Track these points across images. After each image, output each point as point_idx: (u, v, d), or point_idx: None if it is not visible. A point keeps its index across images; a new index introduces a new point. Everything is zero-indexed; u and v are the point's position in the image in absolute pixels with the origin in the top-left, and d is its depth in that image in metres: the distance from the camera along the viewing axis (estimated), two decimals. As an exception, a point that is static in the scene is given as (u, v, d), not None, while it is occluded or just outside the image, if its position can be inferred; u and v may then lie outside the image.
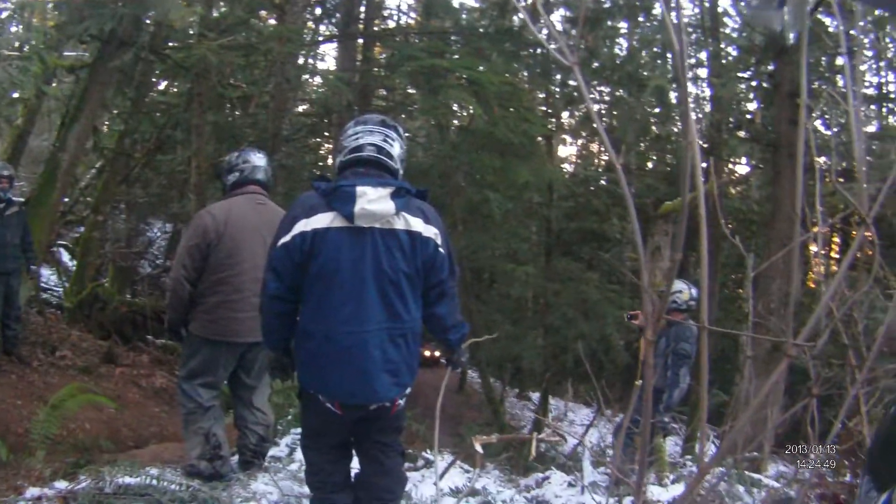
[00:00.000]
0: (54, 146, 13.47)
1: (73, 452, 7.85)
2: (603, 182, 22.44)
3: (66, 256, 18.69)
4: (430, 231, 4.20)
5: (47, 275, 16.72)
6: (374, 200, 4.02)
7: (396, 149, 4.38)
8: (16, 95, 14.14)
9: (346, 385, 4.17)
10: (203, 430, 5.86)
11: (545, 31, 13.43)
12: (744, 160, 22.76)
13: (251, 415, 6.22)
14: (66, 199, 16.10)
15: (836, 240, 18.14)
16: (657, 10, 18.34)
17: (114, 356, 12.45)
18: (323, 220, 4.07)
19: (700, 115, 20.87)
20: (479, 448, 4.36)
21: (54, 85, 14.90)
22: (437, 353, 25.71)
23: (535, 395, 21.15)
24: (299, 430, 5.62)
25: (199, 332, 5.90)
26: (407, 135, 17.70)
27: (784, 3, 1.65)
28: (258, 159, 6.18)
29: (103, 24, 11.03)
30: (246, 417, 6.22)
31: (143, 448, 8.41)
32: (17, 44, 12.84)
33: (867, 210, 2.97)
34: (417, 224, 4.16)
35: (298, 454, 6.41)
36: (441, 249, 4.27)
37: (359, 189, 4.03)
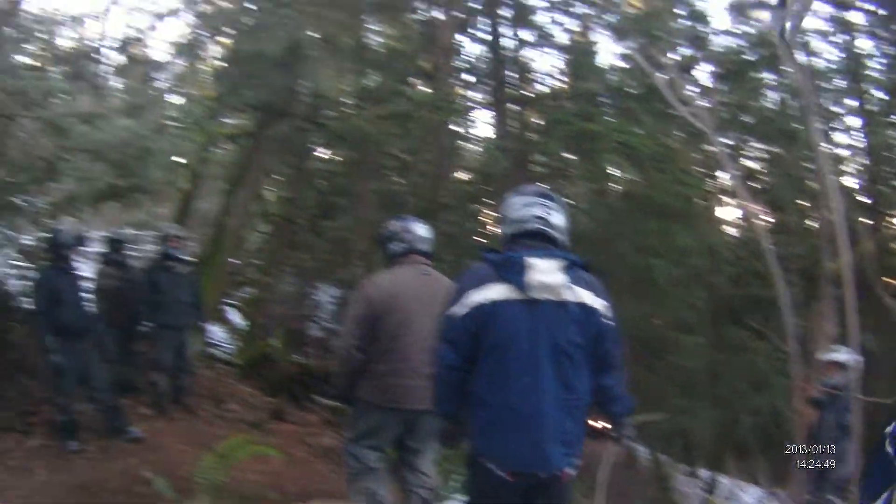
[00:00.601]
0: (222, 211, 14.19)
1: (237, 500, 8.04)
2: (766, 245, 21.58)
3: (234, 315, 19.21)
4: (598, 303, 4.29)
5: (216, 332, 16.99)
6: (545, 272, 4.14)
7: (558, 219, 4.49)
8: (180, 161, 14.50)
9: (522, 453, 4.20)
10: (368, 491, 6.08)
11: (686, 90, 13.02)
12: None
13: (415, 478, 6.31)
14: (237, 262, 17.06)
15: None
16: (802, 58, 17.68)
17: (282, 413, 12.59)
18: (497, 291, 4.17)
19: (858, 168, 20.06)
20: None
21: (217, 151, 15.86)
22: (606, 425, 24.96)
23: (706, 473, 20.32)
24: (462, 497, 5.61)
25: (369, 397, 6.04)
26: (568, 201, 17.33)
27: (784, 3, 1.04)
28: (422, 230, 6.31)
29: (258, 94, 11.74)
30: (410, 481, 6.32)
31: (307, 502, 8.59)
32: (177, 113, 13.31)
33: None
34: (587, 296, 4.25)
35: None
36: (608, 321, 4.33)
37: (529, 261, 4.15)
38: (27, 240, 12.24)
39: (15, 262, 12.10)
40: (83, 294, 9.41)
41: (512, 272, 4.13)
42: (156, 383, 10.68)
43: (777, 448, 16.68)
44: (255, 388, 13.84)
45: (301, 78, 12.33)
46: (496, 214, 4.55)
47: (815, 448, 8.77)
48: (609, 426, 4.84)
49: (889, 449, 3.78)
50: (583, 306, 4.20)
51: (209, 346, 15.21)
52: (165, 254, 10.73)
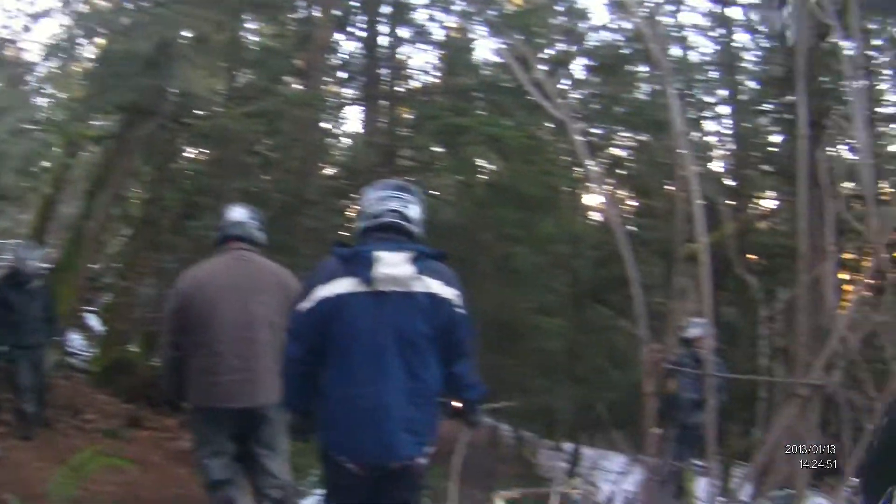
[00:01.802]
0: (81, 215, 13.69)
1: None
2: (631, 228, 22.34)
3: (94, 321, 18.61)
4: (448, 293, 4.28)
5: (75, 339, 16.54)
6: (392, 265, 4.11)
7: (414, 212, 4.48)
8: (43, 165, 14.57)
9: (367, 445, 4.20)
10: (224, 499, 5.75)
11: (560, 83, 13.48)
12: (771, 195, 22.55)
13: (265, 480, 5.90)
14: (95, 266, 16.36)
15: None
16: (678, 52, 18.47)
17: (139, 419, 12.37)
18: (343, 285, 4.15)
19: (725, 153, 20.88)
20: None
21: (83, 154, 15.43)
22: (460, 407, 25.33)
23: (569, 447, 20.91)
24: (322, 491, 5.47)
25: (192, 399, 5.77)
26: (435, 193, 17.83)
27: (784, 3, 1.69)
28: (236, 214, 6.04)
29: (126, 95, 11.41)
30: (261, 483, 5.92)
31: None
32: (42, 115, 13.11)
33: (877, 234, 2.96)
34: (436, 286, 4.24)
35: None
36: (460, 310, 4.34)
37: (376, 254, 4.12)
38: None
39: None
40: None
41: (359, 266, 4.14)
42: (21, 410, 10.19)
43: (638, 420, 17.39)
44: (113, 395, 13.54)
45: (170, 77, 12.01)
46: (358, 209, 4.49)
47: (673, 417, 9.15)
48: (463, 411, 4.77)
49: None
50: (432, 296, 4.23)
51: (67, 355, 14.84)
52: (14, 269, 10.10)
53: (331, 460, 4.36)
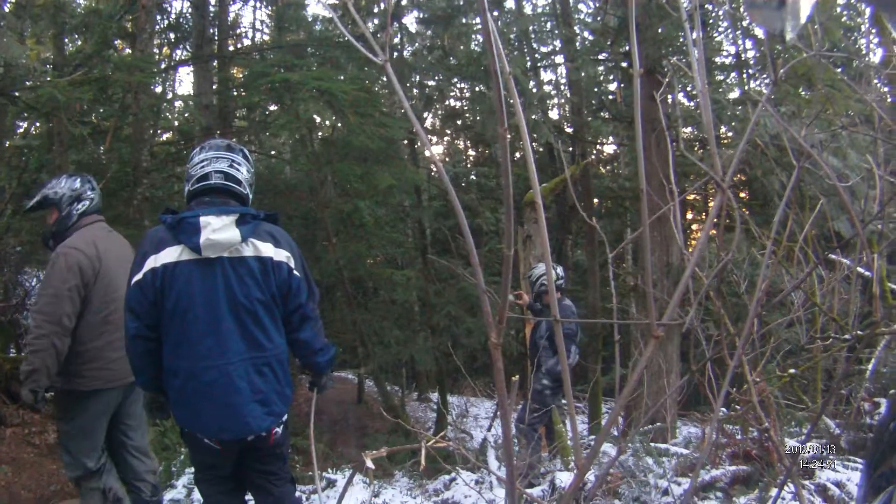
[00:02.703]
0: None
1: None
2: (472, 177, 22.61)
3: None
4: (281, 255, 4.21)
5: None
6: (218, 230, 4.00)
7: (244, 173, 4.34)
8: None
9: (217, 420, 4.10)
10: (99, 488, 5.53)
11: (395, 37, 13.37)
12: (610, 140, 23.07)
13: (140, 463, 5.80)
14: None
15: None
16: (510, 3, 18.55)
17: (2, 417, 11.71)
18: (171, 254, 4.00)
19: (562, 100, 21.22)
20: (370, 464, 4.25)
21: None
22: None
23: (436, 396, 21.15)
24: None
25: (82, 385, 5.37)
26: (272, 152, 17.62)
27: (784, 2, 1.62)
28: (77, 185, 5.67)
29: None
30: (136, 468, 5.78)
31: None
32: None
33: (721, 175, 2.98)
34: (267, 249, 4.16)
35: (196, 494, 6.26)
36: (296, 272, 4.27)
37: (202, 220, 3.99)
38: None
39: None
40: None
41: (185, 233, 3.99)
42: None
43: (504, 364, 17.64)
44: None
45: None
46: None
47: (534, 356, 9.22)
48: (308, 378, 4.75)
49: None
50: (264, 260, 4.13)
51: None
52: None
53: (189, 436, 4.27)
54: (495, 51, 2.22)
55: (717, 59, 16.51)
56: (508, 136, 2.37)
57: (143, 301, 3.99)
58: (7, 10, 12.00)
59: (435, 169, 19.05)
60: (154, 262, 3.98)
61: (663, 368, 10.52)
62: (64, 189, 5.58)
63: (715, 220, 3.16)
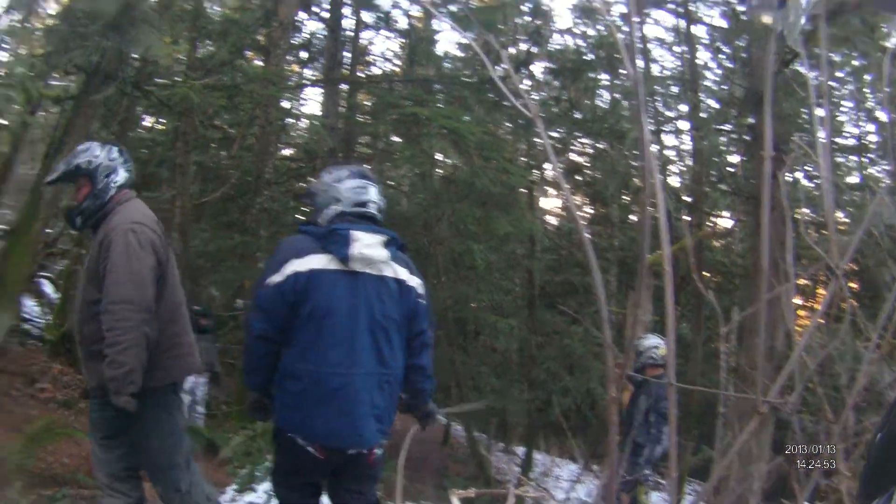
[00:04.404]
0: (38, 176, 13.09)
1: (51, 486, 7.70)
2: (587, 235, 22.45)
3: (49, 288, 18.53)
4: (414, 281, 4.27)
5: (30, 306, 16.48)
6: (369, 246, 4.04)
7: (379, 198, 4.40)
8: (2, 122, 14.00)
9: (331, 427, 4.05)
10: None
11: (522, 83, 13.41)
12: (726, 213, 22.70)
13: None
14: (50, 231, 15.77)
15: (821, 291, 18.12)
16: (638, 62, 18.46)
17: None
18: (318, 261, 4.03)
19: (682, 169, 20.96)
20: (456, 502, 4.22)
21: (41, 114, 14.77)
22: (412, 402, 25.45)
23: (522, 450, 20.94)
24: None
25: (163, 379, 4.67)
26: (390, 183, 17.79)
27: (784, 3, 1.62)
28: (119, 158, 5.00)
29: (87, 56, 10.82)
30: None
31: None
32: (2, 71, 12.61)
33: (837, 261, 2.91)
34: (404, 273, 4.22)
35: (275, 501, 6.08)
36: (422, 300, 4.31)
37: (354, 233, 4.04)
38: None
39: None
40: None
41: (335, 243, 4.03)
42: None
43: (591, 428, 17.36)
44: (67, 364, 13.28)
45: (132, 42, 11.88)
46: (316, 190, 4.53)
47: (629, 429, 9.04)
48: (418, 403, 4.55)
49: None
50: (400, 282, 4.19)
51: (23, 321, 14.65)
52: None
53: (288, 441, 4.16)
54: (642, 115, 2.22)
55: (839, 140, 16.17)
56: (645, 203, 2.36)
57: (279, 303, 4.00)
58: (151, 8, 12.31)
59: (552, 221, 19.06)
60: (299, 265, 4.01)
61: (754, 454, 10.24)
62: (101, 158, 4.89)
63: (827, 307, 3.10)
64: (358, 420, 4.06)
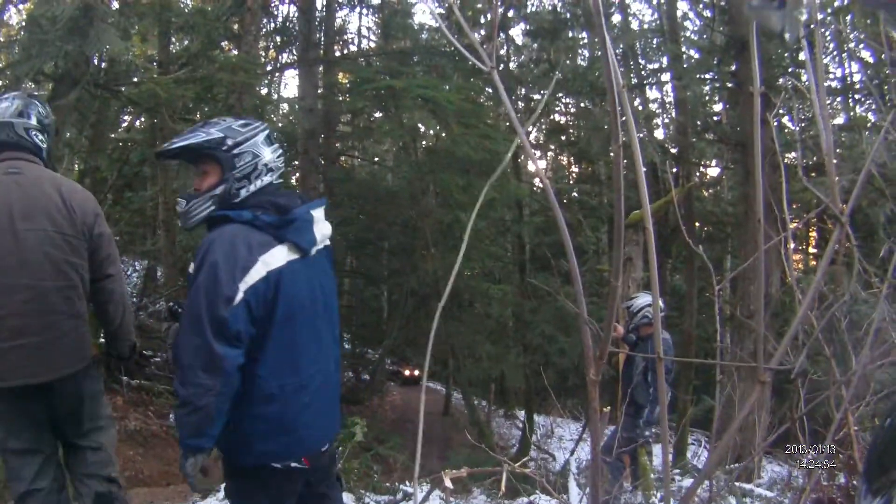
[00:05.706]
0: None
1: None
2: (574, 194, 22.38)
3: None
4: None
5: None
6: (322, 224, 3.50)
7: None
8: None
9: (315, 429, 3.51)
10: None
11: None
12: (714, 162, 22.61)
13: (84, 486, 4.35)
14: None
15: (813, 234, 18.10)
16: (616, 18, 18.31)
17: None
18: (279, 255, 3.29)
19: (666, 120, 20.85)
20: (449, 484, 4.01)
21: None
22: (416, 372, 25.63)
23: (522, 413, 20.95)
24: None
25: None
26: (376, 159, 17.69)
27: (785, 2, 1.50)
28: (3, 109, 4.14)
29: (49, 61, 10.83)
30: (87, 484, 4.34)
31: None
32: None
33: (840, 206, 2.76)
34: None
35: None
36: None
37: (314, 213, 3.45)
38: None
39: None
40: None
41: (298, 231, 3.36)
42: None
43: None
44: None
45: (92, 43, 11.64)
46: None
47: (627, 388, 8.93)
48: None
49: None
50: (329, 249, 3.68)
51: None
52: None
53: (268, 475, 3.48)
54: (611, 65, 2.08)
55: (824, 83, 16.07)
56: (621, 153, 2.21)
57: (249, 319, 3.20)
58: (114, 7, 12.12)
59: (537, 184, 18.95)
60: (261, 268, 3.22)
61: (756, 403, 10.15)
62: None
63: (832, 256, 2.95)
64: (336, 407, 3.68)
